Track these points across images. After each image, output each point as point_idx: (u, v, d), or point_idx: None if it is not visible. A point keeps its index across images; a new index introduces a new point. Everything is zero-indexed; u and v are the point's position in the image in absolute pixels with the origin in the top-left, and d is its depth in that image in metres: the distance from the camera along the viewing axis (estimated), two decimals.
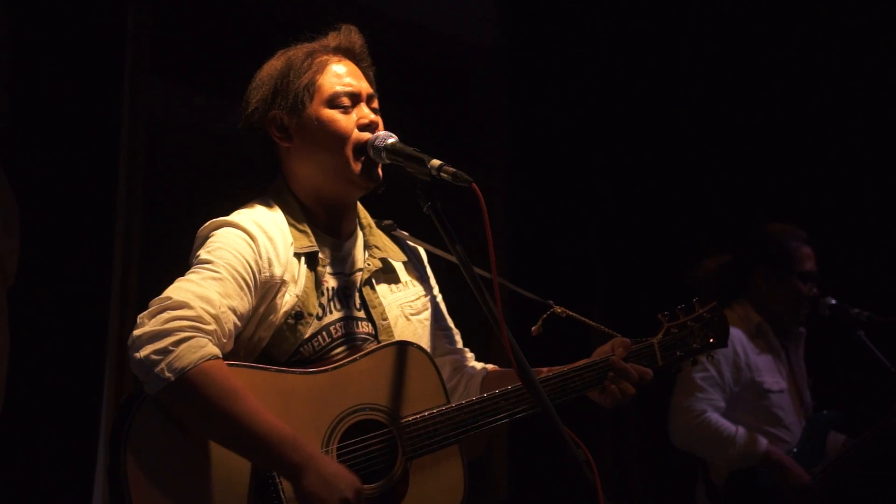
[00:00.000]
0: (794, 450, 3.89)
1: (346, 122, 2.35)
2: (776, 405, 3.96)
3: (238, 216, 2.30)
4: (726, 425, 3.82)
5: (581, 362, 2.42)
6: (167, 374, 2.03)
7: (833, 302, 3.99)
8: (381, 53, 2.52)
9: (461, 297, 2.48)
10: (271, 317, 2.25)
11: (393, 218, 2.58)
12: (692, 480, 4.13)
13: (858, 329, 3.99)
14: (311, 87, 2.35)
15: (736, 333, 3.95)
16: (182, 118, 4.29)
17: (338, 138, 2.33)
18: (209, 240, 2.26)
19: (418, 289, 2.50)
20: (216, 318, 2.12)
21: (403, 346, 2.33)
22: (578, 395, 2.40)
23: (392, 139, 2.30)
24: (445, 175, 2.12)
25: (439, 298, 2.57)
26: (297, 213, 2.35)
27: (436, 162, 2.15)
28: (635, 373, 2.41)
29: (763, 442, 3.81)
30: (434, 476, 2.27)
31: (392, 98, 2.52)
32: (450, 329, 2.58)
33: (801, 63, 5.06)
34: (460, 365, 2.57)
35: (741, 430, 3.82)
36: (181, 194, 4.10)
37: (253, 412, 2.07)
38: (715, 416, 3.84)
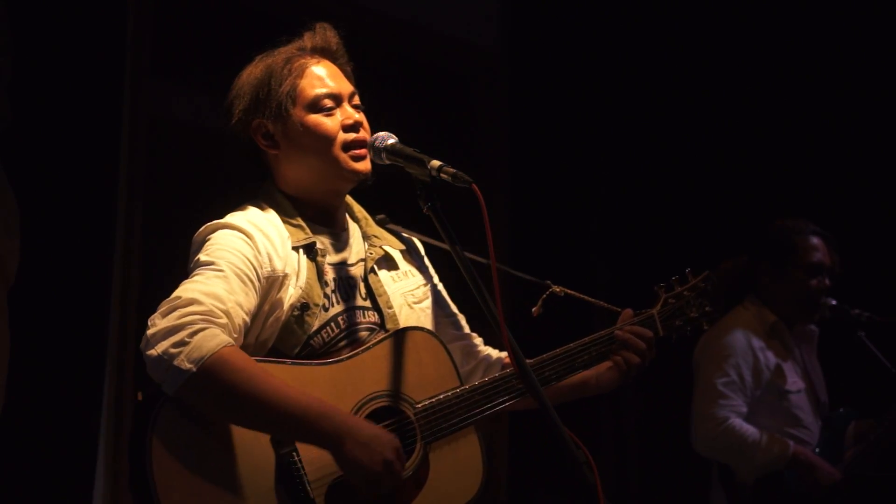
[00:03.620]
0: (817, 450, 3.88)
1: (331, 123, 2.36)
2: (795, 406, 3.93)
3: (232, 217, 2.32)
4: (751, 431, 3.79)
5: (586, 339, 2.47)
6: (188, 366, 2.02)
7: (833, 303, 3.98)
8: (381, 54, 2.53)
9: (461, 296, 2.49)
10: (277, 312, 2.25)
11: (391, 218, 2.59)
12: (691, 480, 4.12)
13: (859, 330, 3.98)
14: (293, 93, 2.36)
15: (753, 335, 3.94)
16: (182, 118, 4.29)
17: (324, 141, 2.35)
18: (206, 243, 2.27)
19: (418, 278, 2.51)
20: (227, 313, 2.13)
21: (413, 332, 2.35)
22: (587, 369, 2.46)
23: (392, 140, 2.31)
24: (445, 176, 2.13)
25: (440, 286, 2.59)
26: (290, 209, 2.37)
27: (436, 163, 2.15)
28: (636, 338, 2.47)
29: (790, 444, 3.78)
30: (453, 459, 2.28)
31: (392, 98, 2.52)
32: (455, 315, 2.60)
33: (804, 67, 5.07)
34: (472, 350, 2.58)
35: (766, 435, 3.78)
36: (181, 194, 4.10)
37: (280, 388, 2.08)
38: (738, 423, 3.80)
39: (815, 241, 3.99)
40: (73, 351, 3.58)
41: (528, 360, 2.31)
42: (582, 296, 2.62)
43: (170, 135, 4.20)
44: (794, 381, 3.96)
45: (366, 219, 2.51)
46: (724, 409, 3.82)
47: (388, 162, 2.30)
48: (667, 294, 2.63)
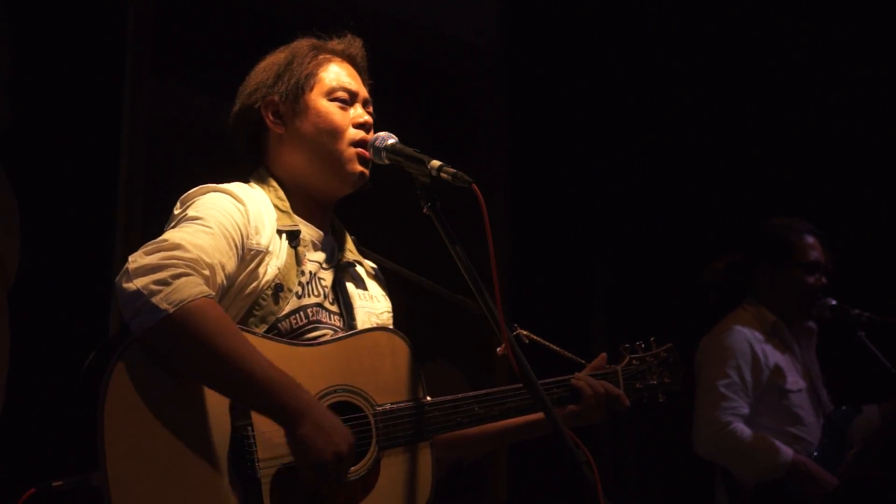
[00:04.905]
0: (816, 453, 3.87)
1: (342, 116, 2.37)
2: (796, 405, 3.93)
3: (225, 185, 2.30)
4: (752, 437, 3.79)
5: (550, 379, 2.43)
6: (165, 306, 1.97)
7: (833, 303, 3.98)
8: (381, 53, 2.53)
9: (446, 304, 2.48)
10: (252, 286, 2.22)
11: (392, 218, 2.59)
12: (690, 480, 4.11)
13: (859, 330, 3.98)
14: (312, 78, 2.38)
15: (753, 335, 3.95)
16: (182, 118, 4.30)
17: (332, 131, 2.36)
18: (196, 201, 2.24)
19: (385, 304, 2.51)
20: (211, 267, 2.11)
21: (389, 334, 2.32)
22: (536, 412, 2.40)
23: (392, 140, 2.31)
24: (445, 176, 2.13)
25: None
26: (280, 193, 2.36)
27: (436, 163, 2.15)
28: (601, 387, 2.45)
29: (789, 452, 3.78)
30: (405, 471, 2.25)
31: (392, 98, 2.53)
32: None
33: (801, 66, 5.07)
34: None
35: (767, 442, 3.78)
36: (181, 194, 4.10)
37: (252, 351, 2.02)
38: (741, 428, 3.81)
39: (810, 239, 4.02)
40: (73, 351, 3.58)
41: (484, 391, 2.34)
42: (547, 343, 2.59)
43: (170, 135, 4.20)
44: (794, 381, 3.96)
45: (343, 233, 2.50)
46: (727, 413, 3.82)
47: (388, 162, 2.30)
48: (631, 355, 2.62)
